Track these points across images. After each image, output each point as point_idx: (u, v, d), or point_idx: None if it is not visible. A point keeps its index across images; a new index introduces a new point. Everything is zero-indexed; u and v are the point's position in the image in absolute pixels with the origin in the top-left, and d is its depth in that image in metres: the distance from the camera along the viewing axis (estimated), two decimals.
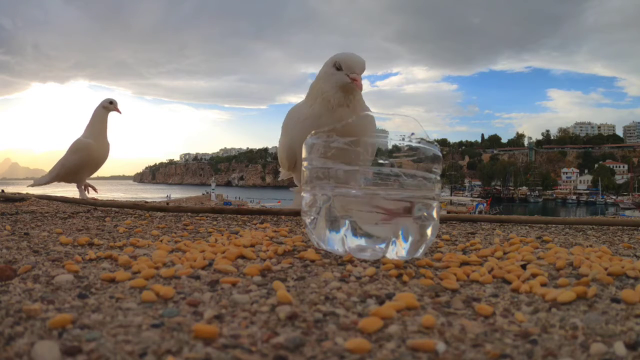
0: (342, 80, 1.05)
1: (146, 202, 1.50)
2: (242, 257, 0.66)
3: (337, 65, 1.05)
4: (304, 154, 0.72)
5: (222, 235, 0.87)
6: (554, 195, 58.87)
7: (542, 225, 1.12)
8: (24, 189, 2.10)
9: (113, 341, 0.35)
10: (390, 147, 0.67)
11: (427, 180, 0.67)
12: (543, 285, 0.53)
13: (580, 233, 1.01)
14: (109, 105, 1.90)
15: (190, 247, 0.72)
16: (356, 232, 0.65)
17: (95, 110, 1.91)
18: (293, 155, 1.20)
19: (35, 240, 0.79)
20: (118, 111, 1.91)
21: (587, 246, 0.80)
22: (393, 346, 0.36)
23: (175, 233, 0.92)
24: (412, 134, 0.67)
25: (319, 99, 1.09)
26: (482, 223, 1.16)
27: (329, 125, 1.02)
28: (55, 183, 1.93)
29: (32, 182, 2.06)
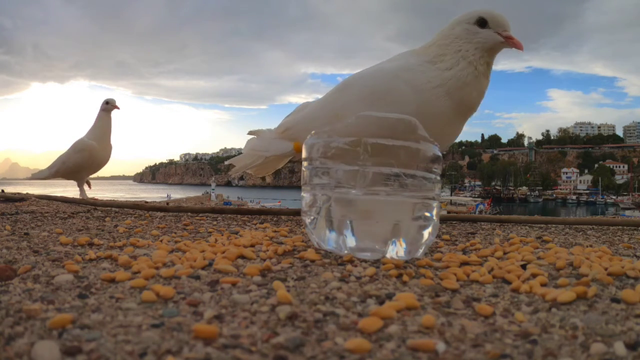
0: (492, 40, 0.85)
1: (146, 202, 1.50)
2: (242, 257, 0.66)
3: (480, 22, 0.86)
4: (304, 154, 0.72)
5: (222, 235, 0.87)
6: (554, 195, 58.90)
7: (542, 225, 1.12)
8: (24, 189, 2.10)
9: (113, 341, 0.35)
10: (391, 147, 0.67)
11: (427, 180, 0.67)
12: (543, 285, 0.53)
13: (580, 233, 1.01)
14: (107, 106, 1.91)
15: (190, 247, 0.72)
16: (356, 232, 0.65)
17: (98, 114, 1.92)
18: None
19: (35, 240, 0.79)
20: (116, 107, 1.92)
21: (587, 246, 0.80)
22: (393, 346, 0.36)
23: (175, 233, 0.92)
24: (412, 134, 0.67)
25: (462, 62, 0.86)
26: (482, 223, 1.16)
27: (473, 96, 0.87)
28: (56, 181, 1.94)
29: (30, 177, 2.06)
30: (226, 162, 1.33)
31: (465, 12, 0.89)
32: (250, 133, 1.25)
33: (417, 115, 0.84)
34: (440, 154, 0.69)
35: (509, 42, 0.85)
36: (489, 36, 0.85)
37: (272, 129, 1.21)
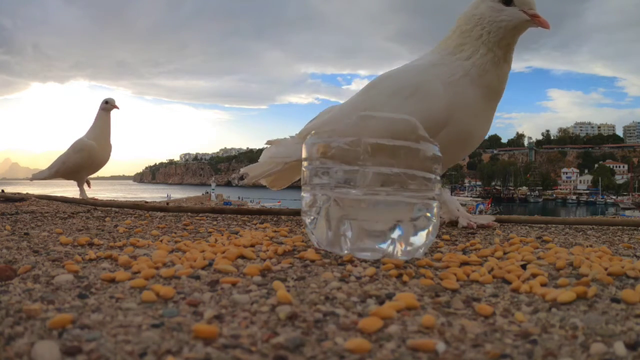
0: (517, 18, 0.82)
1: (146, 202, 1.50)
2: (242, 257, 0.66)
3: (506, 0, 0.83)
4: (303, 154, 0.72)
5: (222, 235, 0.87)
6: (554, 195, 58.92)
7: (542, 225, 1.12)
8: (24, 189, 2.10)
9: (113, 341, 0.35)
10: (391, 147, 0.67)
11: (427, 180, 0.67)
12: (543, 285, 0.53)
13: (580, 233, 1.01)
14: (106, 106, 1.91)
15: (190, 247, 0.72)
16: (356, 232, 0.65)
17: (97, 114, 1.92)
18: (437, 126, 0.88)
19: (35, 240, 0.79)
20: (116, 107, 1.92)
21: (587, 246, 0.80)
22: (393, 346, 0.36)
23: (175, 233, 0.92)
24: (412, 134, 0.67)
25: (482, 48, 0.85)
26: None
27: (495, 82, 0.87)
28: (56, 181, 1.94)
29: (30, 177, 2.06)
30: (242, 170, 1.29)
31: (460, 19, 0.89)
32: (268, 143, 1.23)
33: (451, 107, 0.87)
34: (440, 154, 0.69)
35: (535, 20, 0.83)
36: (514, 14, 0.83)
37: (292, 136, 1.20)
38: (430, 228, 0.67)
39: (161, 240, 0.80)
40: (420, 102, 0.87)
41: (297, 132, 1.16)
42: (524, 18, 0.83)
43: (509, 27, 0.84)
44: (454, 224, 1.09)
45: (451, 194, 1.17)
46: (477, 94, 0.89)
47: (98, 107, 1.94)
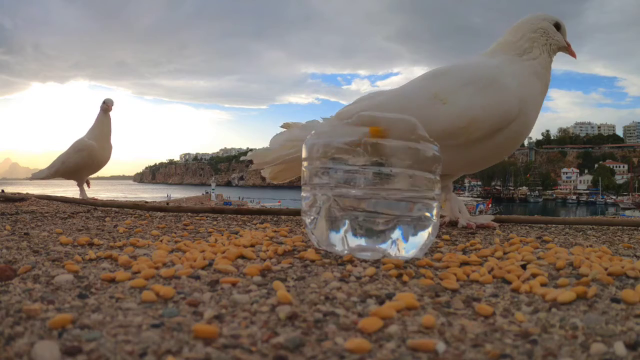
0: (562, 42, 1.02)
1: (146, 202, 1.50)
2: (242, 257, 0.66)
3: (557, 25, 1.02)
4: (303, 154, 0.72)
5: (222, 235, 0.87)
6: (554, 195, 58.91)
7: (542, 225, 1.12)
8: (24, 189, 2.10)
9: (113, 341, 0.35)
10: (390, 147, 0.67)
11: (427, 180, 0.67)
12: (543, 285, 0.53)
13: (580, 233, 1.01)
14: (104, 106, 1.92)
15: (190, 247, 0.72)
16: (356, 232, 0.65)
17: (98, 114, 1.93)
18: (509, 119, 0.95)
19: (35, 240, 0.79)
20: (110, 108, 1.92)
21: (587, 246, 0.80)
22: (393, 346, 0.36)
23: (175, 233, 0.92)
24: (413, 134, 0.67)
25: (545, 53, 1.00)
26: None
27: (548, 82, 1.01)
28: (56, 181, 1.94)
29: (30, 177, 2.06)
30: (248, 155, 1.14)
31: (543, 13, 1.04)
32: (285, 126, 1.11)
33: (521, 101, 0.95)
34: (440, 154, 0.69)
35: (569, 48, 1.04)
36: (561, 39, 1.03)
37: (325, 118, 1.09)
38: (430, 228, 0.67)
39: (161, 240, 0.80)
40: (496, 93, 0.93)
41: (335, 113, 1.06)
42: (564, 44, 1.04)
43: (558, 46, 1.03)
44: (454, 224, 1.09)
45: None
46: (539, 89, 1.02)
47: (99, 108, 1.95)
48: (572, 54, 1.05)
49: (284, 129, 1.11)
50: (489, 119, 0.94)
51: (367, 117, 0.73)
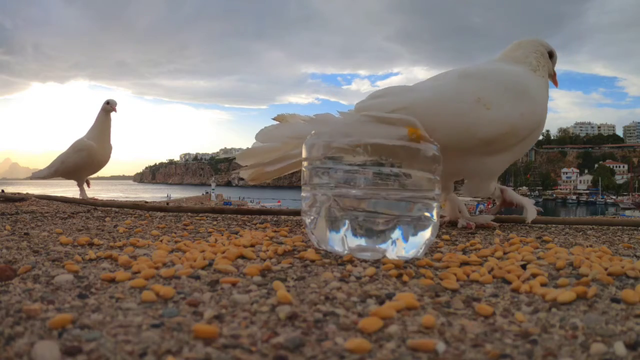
0: (550, 70, 1.08)
1: (146, 202, 1.50)
2: (242, 257, 0.66)
3: (550, 53, 1.07)
4: (304, 154, 0.72)
5: (222, 235, 0.87)
6: (554, 195, 58.89)
7: (542, 225, 1.12)
8: (24, 189, 2.10)
9: (113, 341, 0.35)
10: (390, 147, 0.67)
11: (427, 180, 0.67)
12: (543, 285, 0.53)
13: (580, 233, 1.01)
14: (107, 106, 1.92)
15: (190, 247, 0.72)
16: (356, 232, 0.65)
17: (98, 113, 1.92)
18: (538, 128, 0.98)
19: (35, 240, 0.79)
20: (114, 110, 1.92)
21: (587, 246, 0.80)
22: (393, 346, 0.36)
23: (175, 233, 0.92)
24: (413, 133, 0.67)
25: (546, 74, 1.06)
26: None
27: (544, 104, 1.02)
28: (56, 181, 1.94)
29: (30, 176, 2.06)
30: (240, 156, 1.02)
31: (541, 40, 1.08)
32: (279, 118, 0.99)
33: (545, 110, 0.99)
34: (440, 154, 0.69)
35: (554, 77, 1.09)
36: (550, 67, 1.08)
37: (341, 111, 0.94)
38: (430, 228, 0.67)
39: (161, 240, 0.80)
40: (530, 101, 0.95)
41: (355, 107, 0.96)
42: (552, 72, 1.09)
43: (549, 72, 1.08)
44: (454, 223, 1.09)
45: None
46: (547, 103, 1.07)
47: (99, 108, 1.94)
48: (555, 83, 1.12)
49: (278, 122, 0.99)
50: (525, 127, 0.94)
51: (367, 117, 0.73)
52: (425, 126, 0.70)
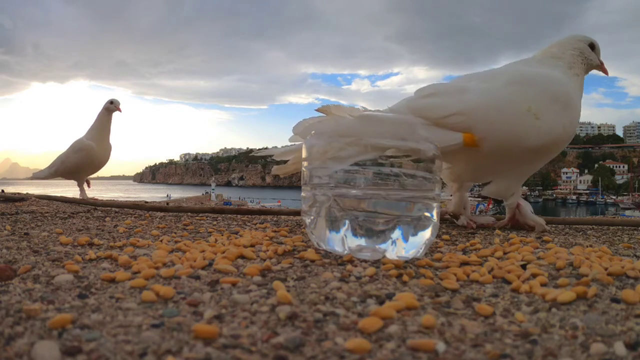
0: (596, 61, 1.07)
1: (146, 202, 1.50)
2: (242, 257, 0.66)
3: (591, 45, 1.06)
4: (303, 154, 0.72)
5: (222, 235, 0.87)
6: (554, 195, 58.88)
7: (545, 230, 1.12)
8: (24, 189, 2.10)
9: (113, 341, 0.35)
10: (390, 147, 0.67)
11: (427, 180, 0.67)
12: (543, 285, 0.53)
13: (580, 233, 1.01)
14: (110, 106, 1.91)
15: (190, 247, 0.72)
16: (356, 232, 0.65)
17: (99, 113, 1.92)
18: (573, 135, 1.00)
19: (35, 240, 0.79)
20: (118, 110, 1.92)
21: (587, 246, 0.80)
22: (393, 346, 0.36)
23: (175, 233, 0.92)
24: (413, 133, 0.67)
25: (582, 71, 1.05)
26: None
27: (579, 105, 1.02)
28: (56, 181, 1.94)
29: (31, 177, 2.06)
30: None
31: (581, 34, 1.09)
32: (324, 110, 0.87)
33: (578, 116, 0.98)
34: (440, 154, 0.69)
35: (602, 67, 1.08)
36: (595, 58, 1.07)
37: (392, 107, 0.97)
38: (430, 228, 0.67)
39: (161, 240, 0.80)
40: (571, 113, 0.96)
41: (407, 107, 0.93)
42: (598, 63, 1.07)
43: (594, 64, 1.07)
44: (451, 221, 1.09)
45: (451, 194, 1.17)
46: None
47: (101, 107, 1.94)
48: (605, 72, 1.10)
49: (324, 114, 0.88)
50: (567, 138, 0.96)
51: (367, 116, 0.73)
52: (478, 132, 0.77)
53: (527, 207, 1.03)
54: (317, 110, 0.88)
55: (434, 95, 0.93)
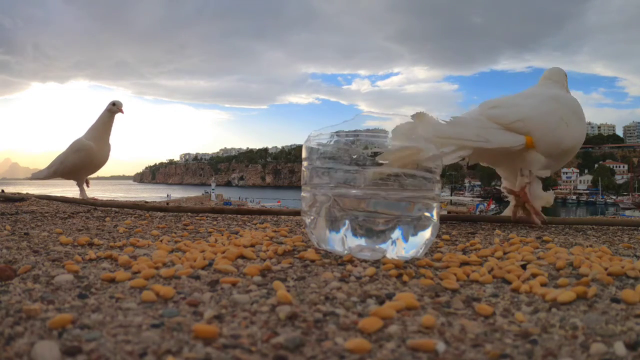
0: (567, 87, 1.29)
1: (146, 202, 1.50)
2: (242, 257, 0.66)
3: (565, 75, 1.28)
4: (304, 154, 0.72)
5: (222, 235, 0.87)
6: (554, 195, 58.75)
7: (542, 225, 1.12)
8: (24, 189, 2.10)
9: (113, 341, 0.35)
10: (390, 146, 0.67)
11: (427, 180, 0.67)
12: (543, 285, 0.53)
13: (580, 233, 1.01)
14: (113, 108, 1.91)
15: (190, 247, 0.72)
16: (356, 232, 0.65)
17: (101, 114, 1.92)
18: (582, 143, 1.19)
19: (35, 240, 0.79)
20: (121, 111, 1.92)
21: (587, 246, 0.80)
22: (393, 346, 0.36)
23: (175, 233, 0.92)
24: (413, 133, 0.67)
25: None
26: (482, 223, 1.16)
27: None
28: (56, 181, 1.94)
29: (30, 177, 2.06)
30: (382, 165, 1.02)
31: (558, 67, 1.30)
32: (417, 117, 0.91)
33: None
34: (439, 154, 0.69)
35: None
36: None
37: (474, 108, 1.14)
38: (430, 228, 0.67)
39: (161, 240, 0.80)
40: (583, 124, 1.18)
41: (484, 115, 1.09)
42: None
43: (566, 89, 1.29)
44: (452, 221, 1.09)
45: (451, 194, 1.16)
46: None
47: (103, 108, 1.93)
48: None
49: (414, 120, 0.90)
50: (582, 142, 1.18)
51: (367, 116, 0.73)
52: (534, 135, 1.04)
53: (537, 186, 1.15)
54: (412, 116, 0.95)
55: (498, 107, 1.13)
